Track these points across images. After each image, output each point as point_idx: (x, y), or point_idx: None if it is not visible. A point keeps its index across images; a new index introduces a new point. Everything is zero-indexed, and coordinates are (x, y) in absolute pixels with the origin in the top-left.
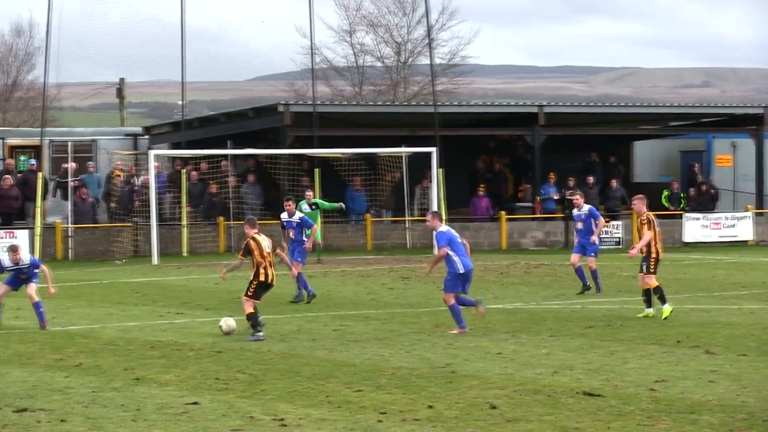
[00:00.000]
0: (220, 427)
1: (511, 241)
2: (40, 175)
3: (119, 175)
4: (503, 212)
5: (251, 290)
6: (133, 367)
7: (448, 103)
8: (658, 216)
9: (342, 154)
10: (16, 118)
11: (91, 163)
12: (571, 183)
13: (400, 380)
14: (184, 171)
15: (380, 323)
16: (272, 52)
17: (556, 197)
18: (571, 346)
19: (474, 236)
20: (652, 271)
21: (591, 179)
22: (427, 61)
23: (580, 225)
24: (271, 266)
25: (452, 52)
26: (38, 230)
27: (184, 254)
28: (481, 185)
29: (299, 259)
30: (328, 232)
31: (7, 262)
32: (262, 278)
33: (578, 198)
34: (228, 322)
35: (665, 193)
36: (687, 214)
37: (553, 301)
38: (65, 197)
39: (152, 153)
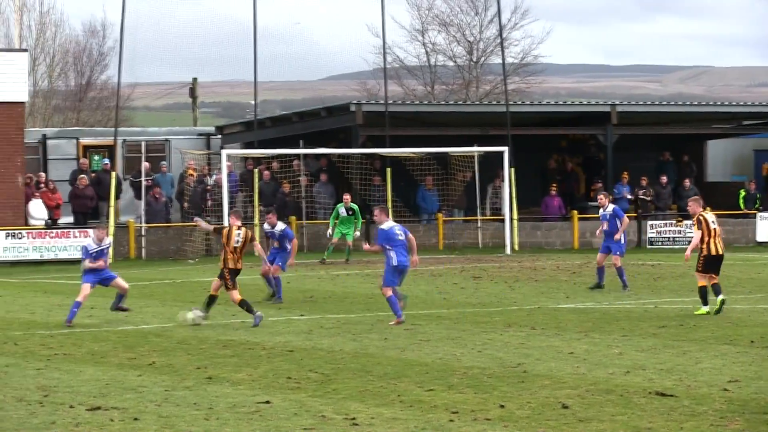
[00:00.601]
0: (292, 426)
1: (583, 240)
2: (113, 174)
3: (192, 175)
4: (575, 211)
5: (229, 281)
6: (206, 366)
7: (520, 102)
8: (732, 216)
9: (414, 153)
10: (90, 117)
11: (164, 162)
12: (644, 182)
13: (471, 380)
14: (256, 170)
15: (452, 322)
16: (344, 52)
17: (629, 196)
18: (644, 345)
19: (546, 235)
20: (699, 269)
21: (664, 178)
22: (499, 60)
23: (605, 225)
24: (236, 257)
25: (524, 51)
26: (111, 229)
27: (256, 254)
28: (553, 184)
29: (279, 264)
30: None
31: (91, 245)
32: (231, 265)
33: (602, 198)
34: (186, 315)
35: (742, 193)
36: (760, 214)
37: (626, 301)
38: (138, 196)
39: (224, 152)
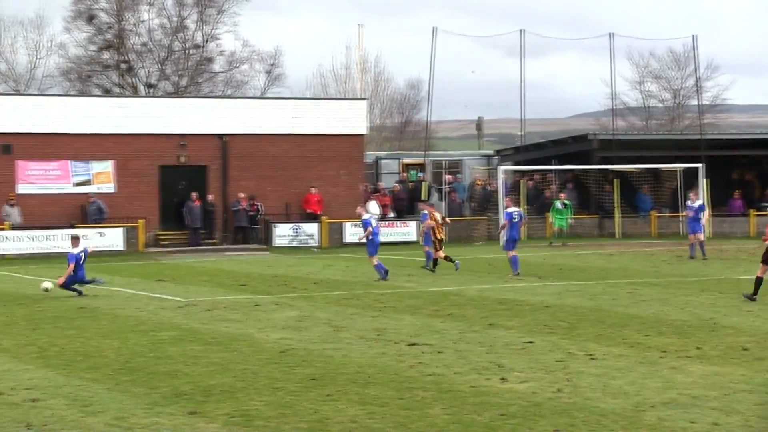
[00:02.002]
0: (549, 359)
1: (758, 230)
2: (424, 183)
3: (478, 184)
4: (752, 210)
5: (437, 245)
6: (488, 316)
7: (711, 133)
8: None
9: (634, 168)
10: (408, 144)
11: (459, 175)
12: None
13: (676, 329)
14: (522, 181)
15: (661, 288)
16: (585, 97)
17: None
18: None
19: (730, 227)
20: None
21: None
22: (696, 102)
23: (691, 214)
24: (440, 230)
25: (714, 96)
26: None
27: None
28: (736, 190)
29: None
30: (627, 224)
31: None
32: (439, 236)
33: (693, 195)
34: (45, 284)
35: None
36: None
37: None
38: (441, 198)
39: (501, 168)
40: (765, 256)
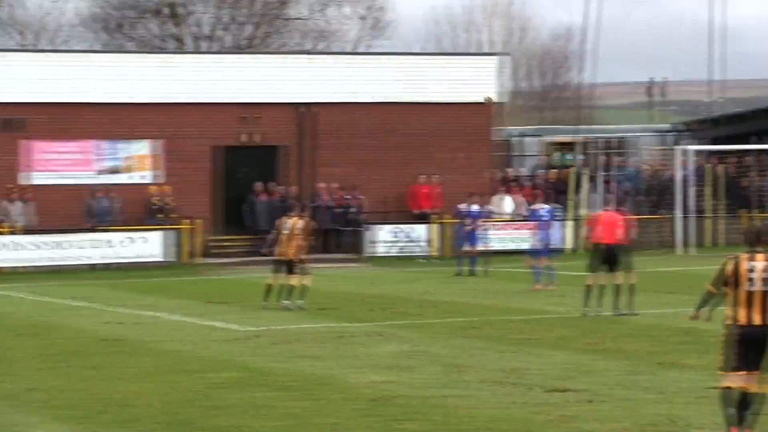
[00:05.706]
0: None
1: None
2: (572, 170)
3: (650, 170)
4: None
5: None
6: (660, 352)
7: None
8: None
9: None
10: (554, 117)
11: (627, 158)
12: None
13: None
14: (707, 166)
15: None
16: None
17: None
18: None
19: None
20: None
21: None
22: None
23: None
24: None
25: None
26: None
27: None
28: None
29: None
30: None
31: None
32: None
33: None
34: None
35: None
36: None
37: None
38: (594, 190)
39: (680, 149)
40: None
